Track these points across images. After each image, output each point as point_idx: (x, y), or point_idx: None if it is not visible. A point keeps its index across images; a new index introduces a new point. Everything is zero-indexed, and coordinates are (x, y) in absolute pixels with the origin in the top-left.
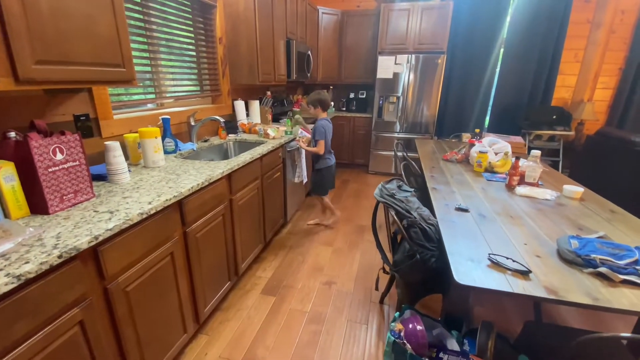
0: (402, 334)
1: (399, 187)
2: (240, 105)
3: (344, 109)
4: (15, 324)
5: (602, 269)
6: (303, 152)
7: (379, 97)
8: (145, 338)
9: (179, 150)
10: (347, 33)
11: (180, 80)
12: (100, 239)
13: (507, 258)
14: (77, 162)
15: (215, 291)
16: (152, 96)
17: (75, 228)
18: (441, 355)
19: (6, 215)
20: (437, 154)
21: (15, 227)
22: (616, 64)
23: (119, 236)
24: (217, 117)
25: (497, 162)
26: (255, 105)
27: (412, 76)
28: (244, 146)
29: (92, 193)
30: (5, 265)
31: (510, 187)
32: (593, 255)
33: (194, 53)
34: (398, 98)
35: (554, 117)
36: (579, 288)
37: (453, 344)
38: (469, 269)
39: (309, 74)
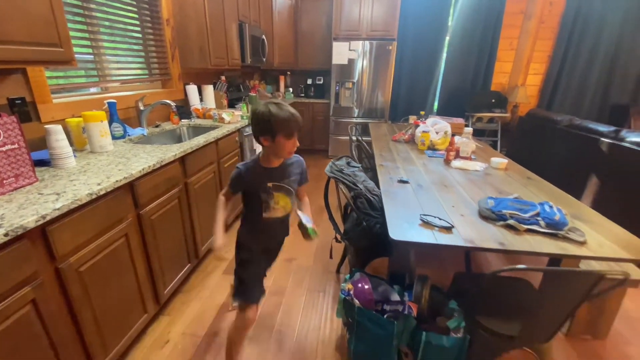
0: (351, 292)
1: (348, 163)
2: (192, 89)
3: (303, 95)
4: None
5: (510, 221)
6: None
7: (336, 83)
8: (103, 318)
9: (128, 135)
10: (302, 18)
11: (126, 63)
12: (48, 218)
13: (435, 217)
14: (17, 145)
15: (175, 273)
16: (95, 79)
17: (19, 209)
18: (385, 306)
19: None
20: (388, 136)
21: None
22: (545, 52)
23: (68, 216)
24: (168, 101)
25: (438, 140)
26: (209, 90)
27: (366, 62)
28: (198, 131)
29: (35, 177)
30: None
31: (447, 162)
32: (504, 211)
33: (139, 35)
34: (354, 84)
35: (493, 100)
36: (492, 237)
37: (395, 297)
38: (404, 229)
39: (264, 59)
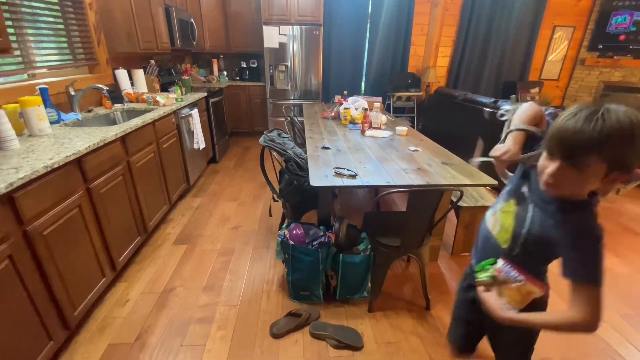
0: (287, 236)
1: (279, 134)
2: (122, 74)
3: (238, 78)
4: None
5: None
6: (197, 117)
7: (270, 66)
8: (68, 277)
9: (63, 120)
10: (231, 2)
11: (49, 49)
12: (15, 185)
13: (344, 169)
14: None
15: (127, 244)
16: (21, 66)
17: None
18: (314, 242)
19: None
20: (319, 115)
21: None
22: (450, 37)
23: (29, 186)
24: (99, 86)
25: (357, 115)
26: (139, 74)
27: (296, 46)
28: (132, 114)
29: None
30: None
31: (362, 132)
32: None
33: (61, 20)
34: (287, 67)
35: (409, 81)
36: (383, 180)
37: (320, 235)
38: (322, 179)
39: (194, 42)
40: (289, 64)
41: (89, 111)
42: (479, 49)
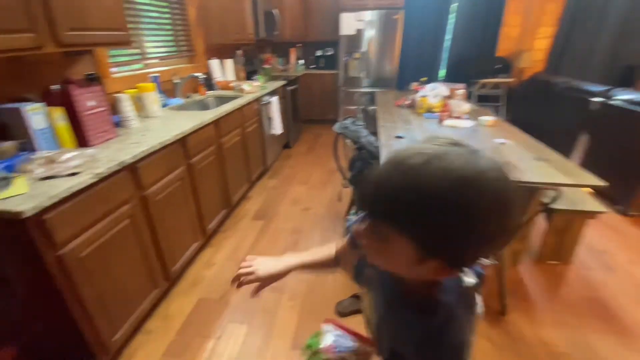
0: (353, 221)
1: (353, 122)
2: (215, 64)
3: (313, 66)
4: (95, 206)
5: None
6: (276, 105)
7: (344, 54)
8: (171, 237)
9: (168, 104)
10: None
11: (160, 42)
12: (138, 157)
13: None
14: (104, 108)
15: (215, 214)
16: (138, 57)
17: (116, 152)
18: None
19: (62, 146)
20: (392, 102)
21: (64, 152)
22: (554, 14)
23: (147, 159)
24: (197, 74)
25: (435, 103)
26: (228, 63)
27: (373, 32)
28: (222, 101)
29: (115, 133)
30: (83, 170)
31: (441, 121)
32: None
33: (168, 16)
34: (362, 54)
35: (498, 66)
36: None
37: None
38: None
39: (276, 32)
40: (364, 50)
41: (188, 97)
42: (592, 27)
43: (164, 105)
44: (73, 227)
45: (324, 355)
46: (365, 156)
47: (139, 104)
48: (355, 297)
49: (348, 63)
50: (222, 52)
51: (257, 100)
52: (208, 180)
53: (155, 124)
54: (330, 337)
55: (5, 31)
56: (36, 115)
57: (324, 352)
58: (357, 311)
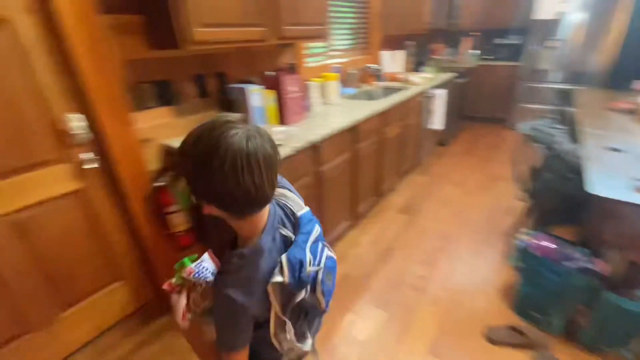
0: (532, 244)
1: (548, 124)
2: (386, 55)
3: (489, 57)
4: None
5: None
6: (441, 98)
7: (535, 42)
8: (330, 211)
9: (343, 93)
10: None
11: (342, 34)
12: (322, 138)
13: None
14: (302, 93)
15: (365, 199)
16: (325, 49)
17: (306, 132)
18: (566, 262)
19: (269, 122)
20: (599, 104)
21: (272, 127)
22: None
23: (327, 140)
24: (372, 66)
25: None
26: (399, 55)
27: (581, 15)
28: (389, 92)
29: (304, 116)
30: (284, 143)
31: None
32: None
33: (354, 10)
34: (561, 42)
35: None
36: None
37: (578, 257)
38: (610, 190)
39: (453, 21)
40: (563, 37)
41: (359, 87)
42: None
43: (340, 94)
44: None
45: (184, 274)
46: (557, 167)
47: (322, 91)
48: (515, 330)
49: (538, 53)
50: (393, 43)
51: (422, 92)
52: (366, 166)
53: (334, 110)
54: (200, 264)
55: (243, 25)
56: (255, 95)
57: (185, 272)
58: (516, 346)
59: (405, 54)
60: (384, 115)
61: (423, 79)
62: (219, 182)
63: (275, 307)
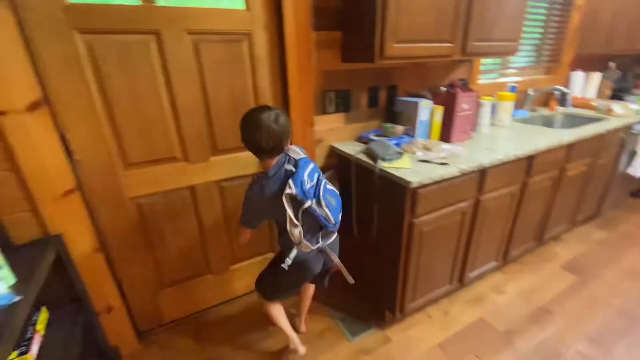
0: None
1: None
2: (577, 76)
3: None
4: (446, 195)
5: None
6: None
7: None
8: (479, 245)
9: (513, 115)
10: None
11: (523, 51)
12: (493, 163)
13: None
14: (472, 112)
15: (521, 241)
16: (498, 66)
17: (473, 153)
18: None
19: (429, 137)
20: None
21: (435, 143)
22: None
23: (496, 167)
24: (560, 88)
25: None
26: (594, 77)
27: None
28: (573, 120)
29: (470, 135)
30: (450, 162)
31: None
32: None
33: (542, 24)
34: None
35: None
36: None
37: None
38: None
39: None
40: None
41: (534, 110)
42: None
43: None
44: (428, 205)
45: None
46: None
47: (492, 111)
48: None
49: None
50: (588, 63)
51: (625, 127)
52: (532, 204)
53: (504, 133)
54: None
55: (434, 41)
56: (424, 110)
57: None
58: None
59: (604, 77)
60: (568, 148)
61: (629, 111)
62: (246, 136)
63: (289, 212)
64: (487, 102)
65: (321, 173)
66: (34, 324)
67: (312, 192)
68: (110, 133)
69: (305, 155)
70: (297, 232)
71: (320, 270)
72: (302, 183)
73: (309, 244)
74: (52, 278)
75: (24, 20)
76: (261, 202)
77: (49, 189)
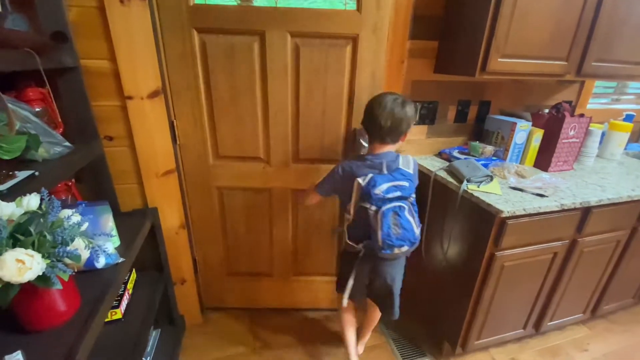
0: None
1: None
2: None
3: None
4: (539, 230)
5: None
6: None
7: None
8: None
9: (626, 149)
10: None
11: None
12: (595, 203)
13: None
14: (579, 140)
15: (618, 297)
16: (611, 90)
17: (576, 188)
18: None
19: (522, 162)
20: None
21: (530, 170)
22: None
23: (604, 207)
24: None
25: None
26: None
27: None
28: None
29: (572, 166)
30: (549, 194)
31: None
32: None
33: None
34: None
35: None
36: None
37: None
38: None
39: None
40: None
41: None
42: None
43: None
44: (516, 239)
45: None
46: None
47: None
48: None
49: None
50: None
51: None
52: (638, 256)
53: (612, 168)
54: None
55: (544, 58)
56: (521, 132)
57: None
58: None
59: None
60: None
61: None
62: (368, 110)
63: (354, 196)
64: (597, 131)
65: (410, 198)
66: (125, 283)
67: (377, 199)
68: (208, 124)
69: (411, 171)
70: (346, 219)
71: (368, 283)
72: (375, 184)
73: (351, 241)
74: (144, 245)
75: (157, 17)
76: (343, 181)
77: (154, 167)
